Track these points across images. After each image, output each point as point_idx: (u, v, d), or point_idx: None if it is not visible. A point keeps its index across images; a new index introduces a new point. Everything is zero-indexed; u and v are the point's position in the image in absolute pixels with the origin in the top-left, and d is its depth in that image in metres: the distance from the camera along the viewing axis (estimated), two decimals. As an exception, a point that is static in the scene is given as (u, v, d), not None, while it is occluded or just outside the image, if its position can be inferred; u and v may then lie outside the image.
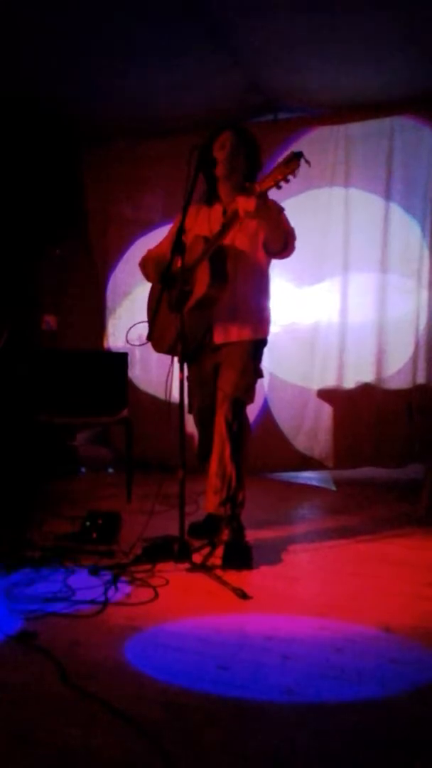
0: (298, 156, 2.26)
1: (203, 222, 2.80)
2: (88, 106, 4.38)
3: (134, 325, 2.63)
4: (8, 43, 3.53)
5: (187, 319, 2.60)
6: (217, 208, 2.81)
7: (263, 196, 2.41)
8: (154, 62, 3.74)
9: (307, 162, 2.29)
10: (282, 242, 2.66)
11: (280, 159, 2.34)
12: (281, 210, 2.70)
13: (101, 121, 4.62)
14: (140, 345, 2.57)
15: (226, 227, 2.64)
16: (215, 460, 2.75)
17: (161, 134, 4.73)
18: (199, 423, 2.98)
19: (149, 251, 3.01)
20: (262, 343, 2.84)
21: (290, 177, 2.30)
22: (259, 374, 2.84)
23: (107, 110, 4.45)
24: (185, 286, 2.63)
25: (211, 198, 2.83)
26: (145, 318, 2.88)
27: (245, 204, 2.44)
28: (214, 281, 2.62)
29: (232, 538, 2.72)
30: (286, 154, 2.32)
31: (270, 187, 2.36)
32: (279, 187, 2.35)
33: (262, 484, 4.18)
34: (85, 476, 4.48)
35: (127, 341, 2.63)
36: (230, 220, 2.62)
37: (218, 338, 2.77)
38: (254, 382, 2.82)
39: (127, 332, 2.65)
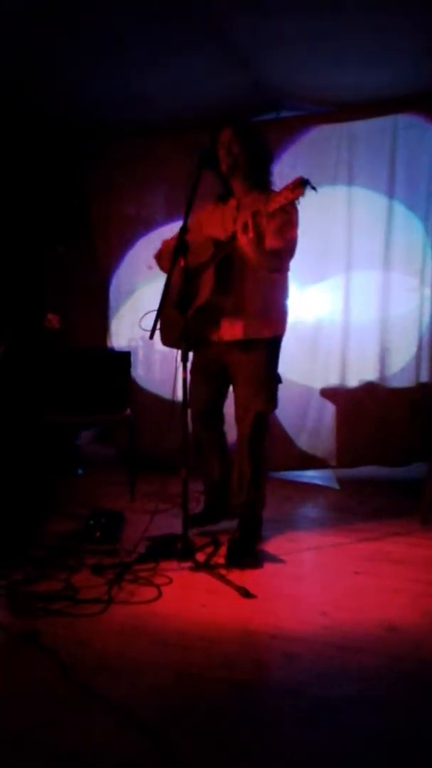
0: (304, 183, 2.31)
1: (217, 221, 2.79)
2: (90, 106, 4.38)
3: (146, 313, 2.59)
4: (9, 42, 3.53)
5: (192, 319, 2.61)
6: (231, 204, 2.79)
7: (257, 228, 2.44)
8: (155, 61, 3.74)
9: (314, 188, 2.34)
10: (272, 266, 2.63)
11: (288, 183, 2.36)
12: (288, 220, 2.64)
13: (103, 120, 4.62)
14: (150, 332, 2.54)
15: (228, 243, 2.60)
16: (236, 466, 2.81)
17: (163, 133, 4.72)
18: (198, 417, 2.91)
19: (165, 242, 2.99)
20: (274, 343, 2.78)
21: (295, 202, 2.37)
22: (278, 380, 2.79)
23: (109, 109, 4.44)
24: (188, 287, 2.63)
25: (225, 196, 2.81)
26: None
27: (241, 237, 2.47)
28: (218, 290, 2.61)
29: (242, 537, 2.73)
30: (294, 178, 2.34)
31: (274, 211, 2.41)
32: (286, 212, 2.44)
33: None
34: (88, 475, 4.48)
35: (140, 327, 2.60)
36: (231, 238, 2.58)
37: (225, 335, 2.73)
38: (275, 390, 2.78)
39: (141, 319, 2.60)
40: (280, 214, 2.55)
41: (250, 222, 2.44)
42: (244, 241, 2.47)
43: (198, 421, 2.93)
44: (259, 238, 2.48)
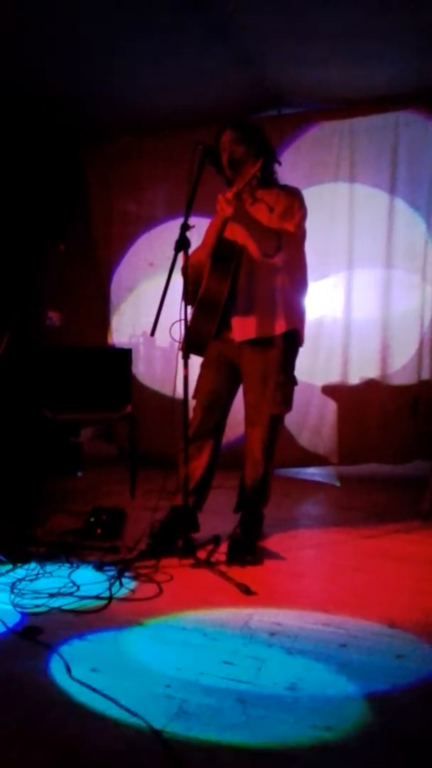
0: (266, 155, 2.55)
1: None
2: (91, 103, 4.38)
3: (175, 322, 2.59)
4: (10, 41, 3.52)
5: (195, 318, 2.60)
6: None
7: (238, 198, 2.49)
8: (156, 58, 3.73)
9: (278, 162, 2.64)
10: (268, 246, 2.58)
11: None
12: (293, 206, 2.63)
13: (104, 117, 4.62)
14: (152, 329, 2.52)
15: (222, 227, 2.61)
16: (249, 468, 2.75)
17: (164, 130, 4.72)
18: (204, 406, 2.79)
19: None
20: (288, 340, 2.69)
21: (257, 174, 2.48)
22: (293, 381, 2.73)
23: (110, 107, 4.44)
24: (194, 285, 2.64)
25: None
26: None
27: (223, 206, 2.49)
28: (212, 279, 2.61)
29: (243, 534, 2.73)
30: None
31: (242, 187, 2.48)
32: (250, 185, 2.51)
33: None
34: (89, 472, 4.48)
35: (171, 337, 2.59)
36: (223, 224, 2.59)
37: (238, 335, 2.67)
38: (291, 392, 2.72)
39: (170, 328, 2.58)
40: (283, 201, 2.60)
41: (234, 187, 2.51)
42: (229, 210, 2.47)
43: (199, 410, 2.79)
44: (240, 203, 2.51)
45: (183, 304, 2.58)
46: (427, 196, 4.16)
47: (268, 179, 2.70)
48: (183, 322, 2.56)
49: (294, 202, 2.66)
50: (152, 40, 3.54)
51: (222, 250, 2.64)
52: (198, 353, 2.67)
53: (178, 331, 2.58)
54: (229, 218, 2.52)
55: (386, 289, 4.28)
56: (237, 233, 2.64)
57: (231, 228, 2.64)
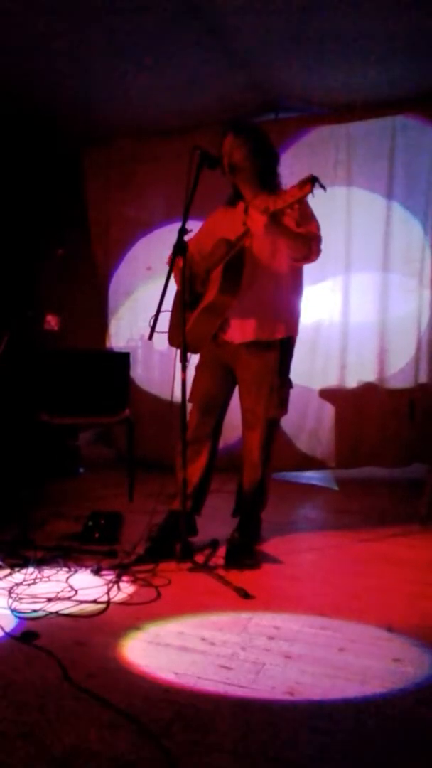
0: (313, 181, 2.28)
1: (227, 224, 2.73)
2: (89, 106, 4.38)
3: (152, 317, 2.59)
4: (9, 43, 3.53)
5: (196, 320, 2.60)
6: (240, 207, 2.75)
7: (275, 217, 2.42)
8: (154, 62, 3.74)
9: (323, 187, 2.30)
10: (302, 252, 2.59)
11: (296, 181, 2.35)
12: (310, 219, 2.64)
13: (102, 121, 4.62)
14: (150, 332, 2.54)
15: (239, 240, 2.58)
16: (246, 472, 2.76)
17: (162, 134, 4.73)
18: (200, 409, 2.80)
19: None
20: (286, 345, 2.71)
21: (304, 200, 2.38)
22: (289, 385, 2.74)
23: (108, 110, 4.45)
24: (196, 287, 2.64)
25: (234, 200, 2.78)
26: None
27: (257, 223, 2.46)
28: (223, 290, 2.57)
29: (241, 537, 2.73)
30: (303, 177, 2.32)
31: (282, 209, 2.39)
32: (292, 208, 2.40)
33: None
34: (87, 476, 4.48)
35: (149, 326, 2.59)
36: (242, 235, 2.56)
37: (236, 337, 2.67)
38: (287, 395, 2.73)
39: (154, 322, 2.59)
40: (298, 207, 2.54)
41: (271, 205, 2.41)
42: (261, 225, 2.43)
43: (195, 413, 2.79)
44: (276, 218, 2.44)
45: (178, 300, 2.57)
46: (423, 199, 4.17)
47: (272, 185, 2.69)
48: (157, 316, 2.54)
49: (307, 207, 2.64)
50: (150, 45, 3.54)
51: (236, 261, 2.60)
52: (193, 351, 2.68)
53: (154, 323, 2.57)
54: (256, 231, 2.48)
55: (383, 292, 4.29)
56: (259, 244, 2.60)
57: (251, 238, 2.59)
